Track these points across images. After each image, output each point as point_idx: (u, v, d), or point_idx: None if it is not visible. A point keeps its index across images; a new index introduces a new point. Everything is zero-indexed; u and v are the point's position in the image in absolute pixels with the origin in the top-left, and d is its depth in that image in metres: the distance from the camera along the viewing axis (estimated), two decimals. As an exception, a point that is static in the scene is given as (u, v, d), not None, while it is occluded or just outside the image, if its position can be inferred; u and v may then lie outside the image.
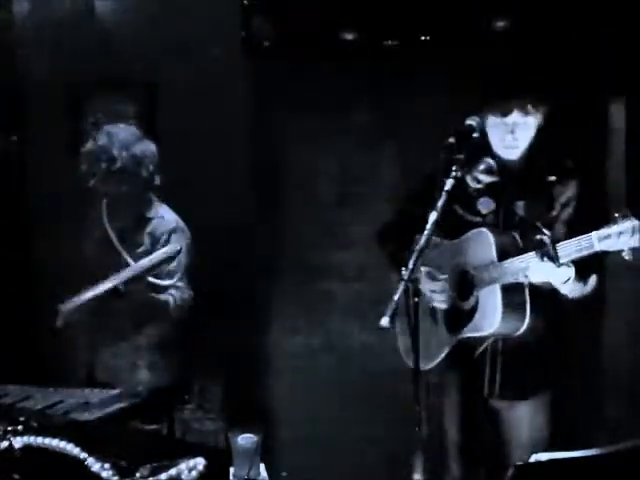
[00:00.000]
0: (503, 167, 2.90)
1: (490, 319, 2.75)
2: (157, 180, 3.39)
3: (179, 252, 3.17)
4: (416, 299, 2.47)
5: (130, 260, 3.26)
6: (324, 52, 3.96)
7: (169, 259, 3.16)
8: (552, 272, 2.62)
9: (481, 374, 2.92)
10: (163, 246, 3.32)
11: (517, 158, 2.88)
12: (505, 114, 2.80)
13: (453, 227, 2.88)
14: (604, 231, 2.44)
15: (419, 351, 2.47)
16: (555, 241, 2.57)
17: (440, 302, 2.91)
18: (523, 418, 2.93)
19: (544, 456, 1.97)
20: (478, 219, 2.90)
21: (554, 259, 2.56)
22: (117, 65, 4.06)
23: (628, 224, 2.40)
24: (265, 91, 4.14)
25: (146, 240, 3.38)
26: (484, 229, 2.82)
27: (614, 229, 2.41)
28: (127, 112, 4.12)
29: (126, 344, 3.37)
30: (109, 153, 3.27)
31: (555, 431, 2.93)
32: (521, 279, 2.69)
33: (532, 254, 2.63)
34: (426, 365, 2.74)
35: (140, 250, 3.35)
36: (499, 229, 2.85)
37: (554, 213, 2.83)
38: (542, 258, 2.58)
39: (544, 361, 2.91)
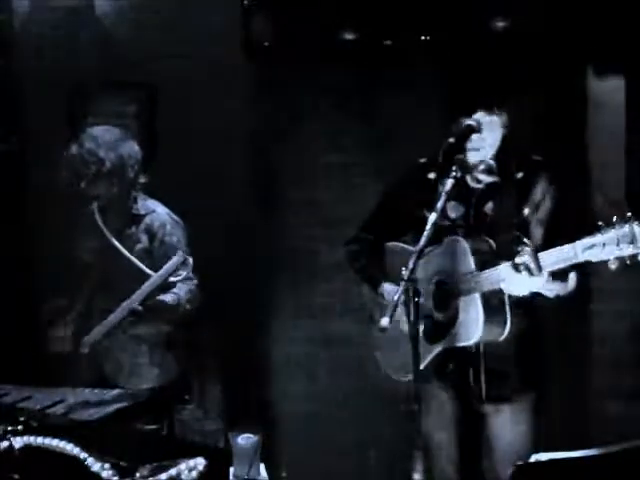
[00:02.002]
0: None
1: (472, 329, 2.71)
2: (142, 178, 3.41)
3: (185, 260, 3.20)
4: (416, 299, 2.45)
5: (133, 259, 3.27)
6: (324, 52, 3.96)
7: (177, 269, 3.19)
8: (527, 282, 2.58)
9: (465, 377, 2.87)
10: (161, 240, 3.36)
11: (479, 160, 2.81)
12: (471, 113, 2.76)
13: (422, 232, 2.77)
14: (588, 241, 2.39)
15: (419, 350, 2.45)
16: (536, 251, 2.54)
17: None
18: (509, 420, 2.87)
19: (544, 456, 1.97)
20: (448, 223, 2.84)
21: (535, 270, 2.52)
22: (117, 65, 4.06)
23: (612, 234, 2.34)
24: (265, 91, 4.14)
25: (143, 237, 3.39)
26: (459, 237, 2.78)
27: (598, 239, 2.36)
28: (127, 112, 4.13)
29: (129, 343, 3.39)
30: (97, 156, 3.29)
31: (541, 433, 2.89)
32: (499, 287, 2.65)
33: (509, 264, 2.58)
34: (406, 376, 2.68)
35: (139, 247, 3.36)
36: (473, 236, 2.79)
37: (526, 212, 2.78)
38: (518, 270, 2.54)
39: (527, 362, 2.87)
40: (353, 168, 4.24)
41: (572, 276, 2.72)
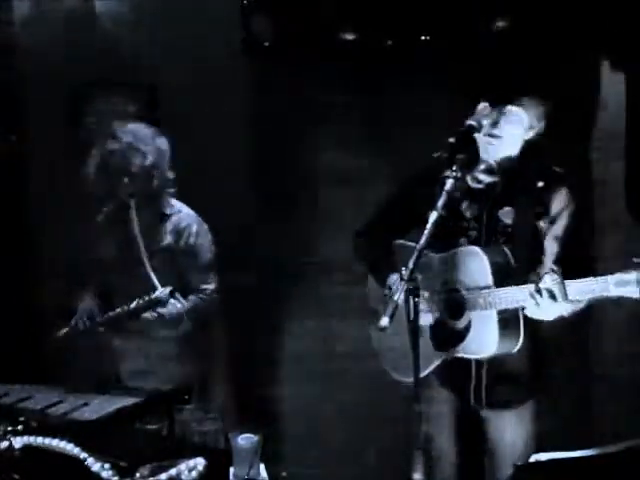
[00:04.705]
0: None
1: (486, 344, 2.68)
2: (171, 175, 3.41)
3: (171, 294, 3.19)
4: (416, 299, 2.44)
5: (147, 263, 3.29)
6: (324, 52, 3.96)
7: (157, 303, 3.20)
8: (550, 307, 2.54)
9: (467, 383, 2.85)
10: (186, 240, 3.36)
11: (500, 159, 2.76)
12: (494, 101, 2.73)
13: (437, 232, 2.68)
14: (622, 277, 2.35)
15: (419, 350, 2.44)
16: (563, 278, 2.48)
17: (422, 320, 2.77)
18: (509, 427, 2.85)
19: (544, 456, 1.97)
20: (463, 224, 2.83)
21: (560, 298, 2.47)
22: (117, 65, 4.06)
23: None
24: (265, 91, 4.14)
25: (168, 236, 3.38)
26: (477, 249, 2.72)
27: (633, 276, 2.33)
28: (127, 112, 4.13)
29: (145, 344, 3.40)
30: (139, 150, 3.28)
31: (542, 440, 2.85)
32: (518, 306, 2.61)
33: (532, 287, 2.54)
34: (409, 378, 2.58)
35: (163, 245, 3.36)
36: (490, 245, 2.76)
37: (542, 224, 2.74)
38: (541, 295, 2.50)
39: (530, 369, 2.84)
40: (354, 168, 4.24)
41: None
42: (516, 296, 2.59)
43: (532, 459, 1.97)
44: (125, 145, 3.29)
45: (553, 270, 2.53)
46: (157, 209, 3.40)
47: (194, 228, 3.39)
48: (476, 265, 2.71)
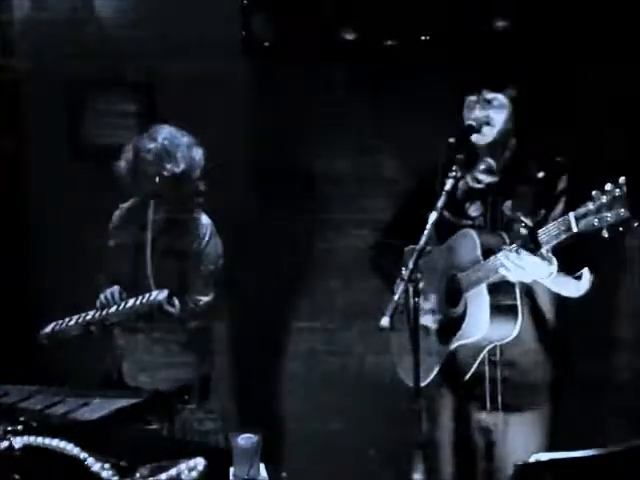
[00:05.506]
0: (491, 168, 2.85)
1: (478, 323, 2.63)
2: (201, 186, 3.40)
3: (167, 298, 3.18)
4: (416, 299, 2.44)
5: (149, 265, 3.31)
6: (324, 52, 3.96)
7: (154, 306, 3.19)
8: (530, 266, 2.49)
9: (481, 388, 2.82)
10: (196, 248, 3.36)
11: (488, 142, 2.78)
12: (479, 91, 2.75)
13: (443, 233, 2.77)
14: (580, 210, 2.30)
15: (419, 350, 2.44)
16: (534, 228, 2.45)
17: (428, 321, 2.79)
18: (521, 431, 2.82)
19: (544, 456, 1.97)
20: (468, 222, 2.82)
21: (535, 248, 2.44)
22: (117, 65, 4.06)
23: (604, 199, 2.24)
24: (265, 91, 4.14)
25: (181, 241, 3.38)
26: (469, 230, 2.73)
27: (590, 206, 2.27)
28: (127, 111, 4.13)
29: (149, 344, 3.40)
30: (174, 156, 3.28)
31: (553, 444, 2.81)
32: (502, 274, 2.56)
33: (508, 247, 2.52)
34: (422, 381, 2.54)
35: (174, 249, 3.36)
36: (486, 229, 2.76)
37: (543, 211, 2.70)
38: (518, 251, 2.47)
39: (546, 371, 2.82)
40: (354, 168, 4.24)
41: (586, 276, 2.67)
42: (499, 260, 2.55)
43: (532, 459, 1.96)
44: (160, 146, 3.28)
45: (525, 224, 2.49)
46: (178, 215, 3.40)
47: (207, 236, 3.39)
48: (467, 244, 2.70)
